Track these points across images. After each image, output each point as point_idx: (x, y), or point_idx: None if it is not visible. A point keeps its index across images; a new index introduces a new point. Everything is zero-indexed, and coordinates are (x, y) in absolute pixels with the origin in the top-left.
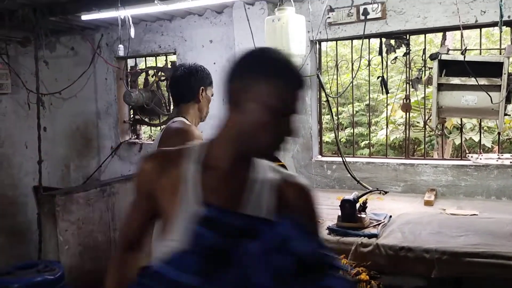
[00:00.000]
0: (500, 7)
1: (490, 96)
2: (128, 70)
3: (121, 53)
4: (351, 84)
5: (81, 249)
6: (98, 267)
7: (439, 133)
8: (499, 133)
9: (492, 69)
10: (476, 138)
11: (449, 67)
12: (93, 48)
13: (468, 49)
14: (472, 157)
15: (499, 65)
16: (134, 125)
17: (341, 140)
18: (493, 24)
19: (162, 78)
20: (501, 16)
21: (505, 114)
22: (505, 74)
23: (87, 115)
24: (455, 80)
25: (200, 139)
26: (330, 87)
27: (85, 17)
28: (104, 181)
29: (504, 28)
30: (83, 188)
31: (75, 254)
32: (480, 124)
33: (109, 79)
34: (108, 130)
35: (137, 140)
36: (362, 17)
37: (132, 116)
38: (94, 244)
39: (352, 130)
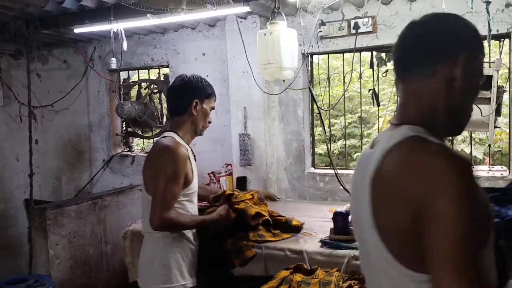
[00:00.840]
0: (488, 21)
1: (480, 109)
2: (121, 83)
3: (114, 65)
4: (343, 96)
5: (72, 263)
6: (90, 281)
7: None
8: (489, 145)
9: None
10: (467, 150)
11: None
12: (85, 60)
13: None
14: None
15: (489, 78)
16: (126, 137)
17: (334, 152)
18: (483, 38)
19: (155, 90)
20: (489, 30)
21: (495, 127)
22: (494, 87)
23: (79, 128)
24: None
25: (185, 160)
26: (323, 99)
27: (77, 30)
28: (96, 194)
29: (492, 41)
30: (74, 201)
31: (66, 268)
32: (471, 136)
33: (101, 91)
34: (100, 142)
35: (129, 153)
36: (353, 31)
37: (124, 128)
38: (85, 258)
39: (344, 142)
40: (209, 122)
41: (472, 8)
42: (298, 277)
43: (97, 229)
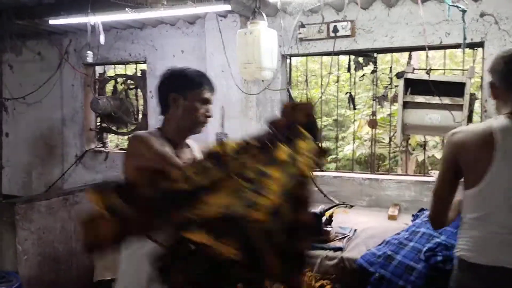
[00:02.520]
0: (464, 30)
1: (453, 115)
2: (96, 77)
3: (90, 59)
4: (320, 99)
5: (40, 260)
6: (58, 278)
7: (403, 149)
8: None
9: (455, 89)
10: (438, 156)
11: (414, 86)
12: (60, 53)
13: (433, 69)
14: (434, 173)
15: (462, 85)
16: (100, 133)
17: None
18: (457, 46)
19: (131, 86)
20: (464, 38)
21: None
22: (467, 94)
23: (52, 122)
24: (420, 99)
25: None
26: (300, 101)
27: (53, 21)
28: (68, 190)
29: (467, 50)
30: (45, 196)
31: (34, 265)
32: (443, 142)
33: (76, 85)
34: (73, 137)
35: (103, 149)
36: (332, 34)
37: (98, 124)
38: (55, 254)
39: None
40: (207, 117)
41: (449, 16)
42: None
43: (68, 225)
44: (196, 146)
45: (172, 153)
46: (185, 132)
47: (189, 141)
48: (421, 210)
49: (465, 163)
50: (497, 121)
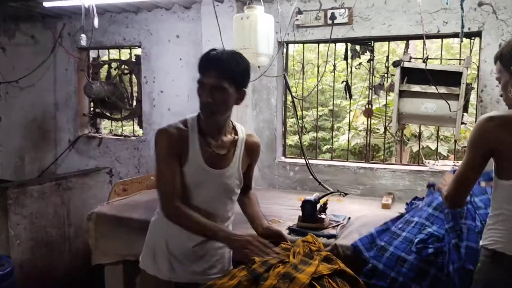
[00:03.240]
0: (462, 18)
1: (448, 105)
2: (90, 62)
3: (83, 43)
4: (316, 88)
5: (33, 244)
6: (51, 263)
7: (398, 139)
8: (455, 141)
9: (451, 78)
10: (433, 146)
11: (410, 75)
12: (54, 37)
13: (430, 58)
14: (429, 163)
15: (459, 74)
16: (94, 118)
17: (304, 143)
18: (454, 35)
19: (126, 71)
20: (462, 26)
21: (462, 123)
22: (463, 84)
23: (45, 106)
24: (416, 88)
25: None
26: (296, 90)
27: (47, 4)
28: (60, 175)
29: (463, 40)
30: (37, 181)
31: (27, 250)
32: (438, 132)
33: (69, 69)
34: (67, 122)
35: (96, 134)
36: (330, 21)
37: (92, 109)
38: (47, 239)
39: (315, 134)
40: (201, 102)
41: (447, 4)
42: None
43: (61, 210)
44: (245, 135)
45: (199, 149)
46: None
47: (239, 128)
48: (415, 198)
49: (501, 152)
50: None
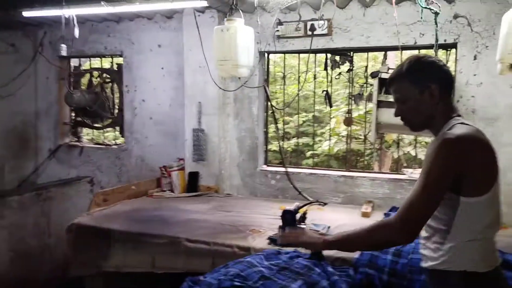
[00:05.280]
0: (436, 31)
1: None
2: (71, 70)
3: (64, 52)
4: (297, 96)
5: (12, 255)
6: (30, 274)
7: (378, 147)
8: None
9: None
10: (413, 152)
11: (387, 86)
12: (34, 45)
13: None
14: (407, 171)
15: None
16: (75, 127)
17: (288, 149)
18: (431, 47)
19: (107, 80)
20: (437, 40)
21: None
22: None
23: (26, 115)
24: (393, 98)
25: None
26: (278, 96)
27: (26, 13)
28: (41, 185)
29: (440, 50)
30: (17, 191)
31: (5, 261)
32: (415, 140)
33: (50, 78)
34: (47, 131)
35: (77, 143)
36: (309, 33)
37: (73, 118)
38: (26, 250)
39: (298, 140)
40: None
41: (422, 18)
42: None
43: (41, 221)
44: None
45: None
46: None
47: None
48: (392, 208)
49: (472, 170)
50: (471, 122)
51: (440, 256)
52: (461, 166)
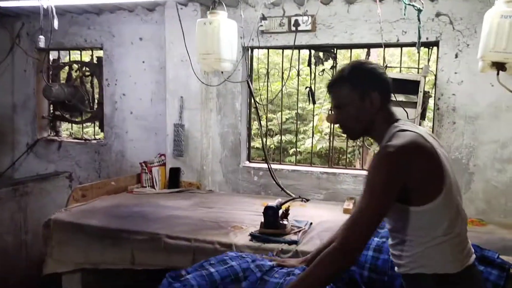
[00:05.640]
0: (419, 28)
1: (406, 112)
2: (50, 63)
3: (42, 44)
4: (281, 92)
5: None
6: (6, 271)
7: (360, 144)
8: None
9: (410, 86)
10: None
11: None
12: (11, 37)
13: (389, 67)
14: None
15: (416, 83)
16: (53, 121)
17: (271, 146)
18: (413, 44)
19: (87, 73)
20: (419, 37)
21: None
22: (421, 92)
23: (2, 108)
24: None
25: None
26: (261, 94)
27: (3, 3)
28: (17, 180)
29: (422, 48)
30: None
31: None
32: None
33: (28, 71)
34: (25, 125)
35: (56, 137)
36: (293, 28)
37: (52, 111)
38: (2, 247)
39: (281, 137)
40: None
41: (405, 15)
42: None
43: (17, 216)
44: None
45: None
46: None
47: None
48: None
49: (416, 179)
50: (412, 126)
51: (407, 263)
52: (405, 177)
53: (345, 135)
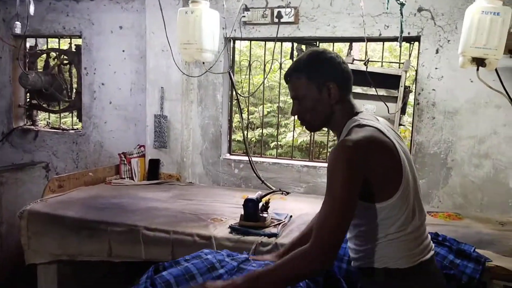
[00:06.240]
0: (401, 23)
1: (387, 107)
2: (27, 50)
3: (18, 31)
4: (263, 85)
5: None
6: None
7: None
8: None
9: (391, 81)
10: None
11: (353, 77)
12: None
13: (371, 61)
14: None
15: (397, 78)
16: (30, 110)
17: (252, 139)
18: (395, 39)
19: (65, 61)
20: (401, 32)
21: (400, 124)
22: (402, 86)
23: None
24: (357, 89)
25: None
26: (243, 86)
27: None
28: None
29: (403, 43)
30: None
31: None
32: None
33: (4, 58)
34: (0, 113)
35: (32, 127)
36: (276, 20)
37: (28, 100)
38: None
39: (262, 130)
40: None
41: (387, 9)
42: None
43: None
44: None
45: None
46: None
47: None
48: None
49: (375, 174)
50: (372, 120)
51: (361, 257)
52: (365, 171)
53: (325, 129)
